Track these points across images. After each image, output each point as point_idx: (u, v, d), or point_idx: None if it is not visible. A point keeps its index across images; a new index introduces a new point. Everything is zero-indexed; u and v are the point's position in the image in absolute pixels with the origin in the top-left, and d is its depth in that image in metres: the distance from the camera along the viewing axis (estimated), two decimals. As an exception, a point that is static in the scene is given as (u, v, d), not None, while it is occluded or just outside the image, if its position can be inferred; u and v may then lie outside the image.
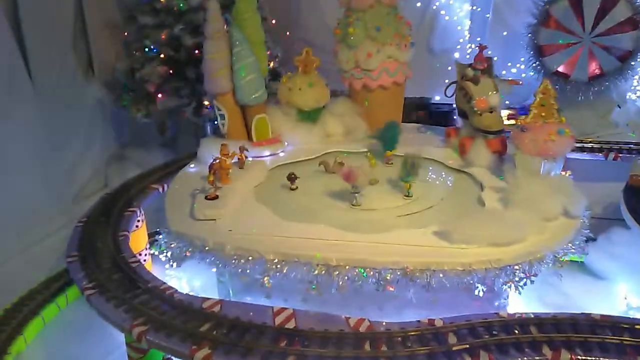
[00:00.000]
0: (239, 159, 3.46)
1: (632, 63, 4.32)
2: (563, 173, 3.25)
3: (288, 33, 5.22)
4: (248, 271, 2.74)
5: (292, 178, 3.37)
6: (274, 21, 4.77)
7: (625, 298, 3.18)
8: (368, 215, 3.06)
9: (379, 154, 3.64)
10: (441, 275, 2.59)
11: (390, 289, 2.62)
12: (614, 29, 4.30)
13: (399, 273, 2.60)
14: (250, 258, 2.74)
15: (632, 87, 4.81)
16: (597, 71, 4.33)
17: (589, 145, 4.17)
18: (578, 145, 4.11)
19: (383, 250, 2.68)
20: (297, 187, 3.37)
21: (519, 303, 3.05)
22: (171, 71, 4.47)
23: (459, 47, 5.12)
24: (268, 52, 4.33)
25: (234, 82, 3.72)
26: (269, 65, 4.23)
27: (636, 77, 4.70)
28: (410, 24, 4.07)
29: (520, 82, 3.77)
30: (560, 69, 4.42)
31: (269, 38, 4.36)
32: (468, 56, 5.02)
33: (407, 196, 3.17)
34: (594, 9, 4.31)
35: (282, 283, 2.78)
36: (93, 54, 4.82)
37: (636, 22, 4.25)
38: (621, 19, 4.29)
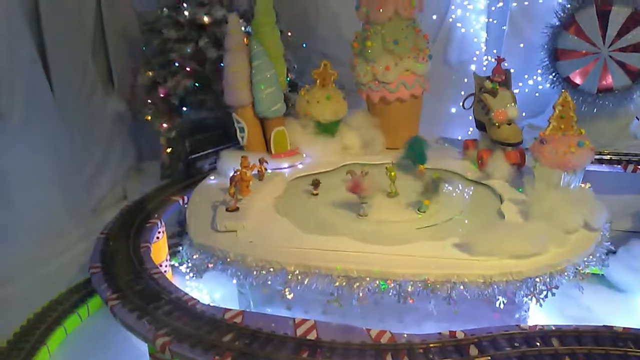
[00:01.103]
0: (258, 171, 3.50)
1: (636, 89, 4.32)
2: (583, 185, 3.25)
3: (305, 45, 5.27)
4: (269, 282, 2.77)
5: (316, 183, 3.45)
6: (289, 33, 4.82)
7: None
8: (388, 227, 3.08)
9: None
10: (462, 287, 2.60)
11: (411, 301, 2.64)
12: (633, 47, 4.30)
13: (419, 285, 2.61)
14: (271, 269, 2.77)
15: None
16: (608, 85, 4.33)
17: (608, 157, 4.13)
18: (597, 157, 4.07)
19: (403, 262, 2.69)
20: (318, 193, 3.44)
21: (540, 315, 3.04)
22: (196, 84, 4.54)
23: (475, 59, 5.13)
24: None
25: (254, 94, 3.77)
26: (287, 77, 4.28)
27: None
28: (428, 37, 4.10)
29: None
30: (572, 76, 4.42)
31: (287, 50, 4.41)
32: (485, 68, 5.02)
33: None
34: (619, 24, 4.30)
35: (302, 294, 2.80)
36: (113, 67, 4.91)
37: None
38: (641, 40, 4.30)
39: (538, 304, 2.66)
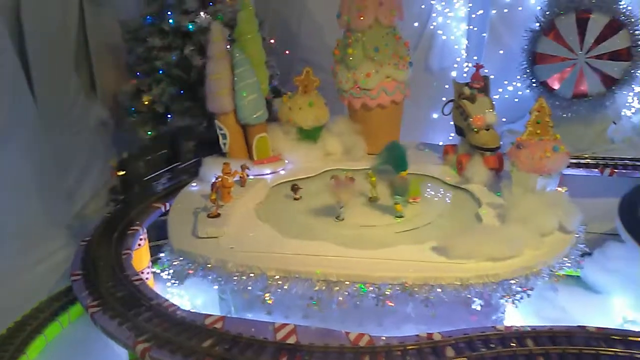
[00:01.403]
0: (240, 177, 3.52)
1: (616, 91, 4.42)
2: (559, 189, 3.31)
3: (288, 52, 5.31)
4: (249, 288, 2.79)
5: (295, 188, 3.48)
6: (272, 40, 4.86)
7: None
8: (368, 231, 3.12)
9: (388, 174, 3.64)
10: (439, 290, 2.64)
11: (390, 304, 2.67)
12: (609, 55, 4.40)
13: (397, 288, 2.64)
14: (251, 275, 2.79)
15: (627, 104, 4.89)
16: (583, 91, 4.42)
17: (585, 161, 4.21)
18: (574, 161, 4.16)
19: (382, 265, 2.73)
20: (300, 197, 3.47)
21: (516, 317, 3.08)
22: (181, 92, 4.55)
23: (456, 66, 5.21)
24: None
25: (236, 101, 3.80)
26: (270, 84, 4.32)
27: (631, 94, 4.78)
28: (408, 44, 4.16)
29: None
30: (549, 80, 4.51)
31: (270, 57, 4.44)
32: (465, 75, 5.10)
33: (396, 217, 3.22)
34: (597, 31, 4.41)
35: (283, 299, 2.82)
36: (96, 75, 4.91)
37: (630, 54, 4.36)
38: (618, 47, 4.39)
39: (514, 305, 2.70)
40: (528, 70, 4.59)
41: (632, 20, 4.36)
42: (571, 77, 4.43)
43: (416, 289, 2.64)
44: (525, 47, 4.63)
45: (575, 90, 4.44)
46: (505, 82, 5.03)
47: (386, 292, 2.65)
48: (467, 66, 5.18)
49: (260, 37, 4.05)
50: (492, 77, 4.97)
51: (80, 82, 4.77)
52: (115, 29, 4.95)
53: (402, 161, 3.61)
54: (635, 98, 4.74)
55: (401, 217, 3.22)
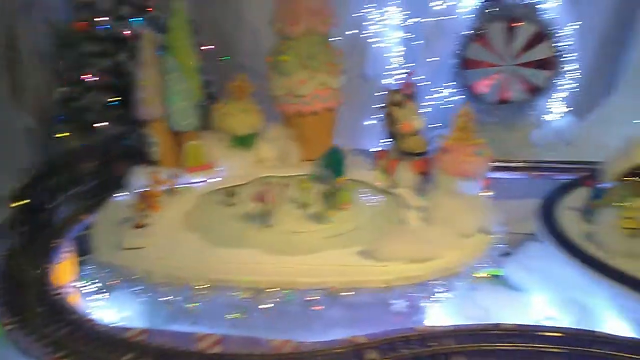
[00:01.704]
0: (169, 186, 3.48)
1: (538, 98, 4.62)
2: (482, 192, 3.44)
3: (225, 58, 5.28)
4: (175, 298, 2.76)
5: (230, 193, 3.48)
6: (209, 47, 4.83)
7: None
8: (296, 237, 3.13)
9: (326, 180, 3.66)
10: (364, 293, 2.69)
11: (316, 308, 2.70)
12: (534, 64, 4.61)
13: (324, 293, 2.67)
14: (177, 285, 2.76)
15: (549, 110, 5.12)
16: (507, 97, 4.61)
17: (511, 164, 4.38)
18: (500, 165, 4.32)
19: (309, 271, 2.76)
20: (235, 203, 3.46)
21: (440, 317, 3.15)
22: (114, 99, 4.45)
23: (390, 73, 5.31)
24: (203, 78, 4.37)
25: (166, 108, 3.76)
26: (204, 90, 4.28)
27: (553, 100, 5.01)
28: (342, 51, 4.22)
29: None
30: (477, 85, 4.68)
31: (207, 63, 4.41)
32: (398, 82, 5.19)
33: (325, 223, 3.24)
34: (524, 40, 4.61)
35: (209, 309, 2.81)
36: (23, 82, 4.74)
37: (552, 64, 4.57)
38: (542, 56, 4.61)
39: (436, 305, 2.78)
40: (458, 75, 4.75)
41: (556, 32, 4.58)
42: (498, 83, 4.61)
43: (341, 293, 2.68)
44: (456, 52, 4.78)
45: (501, 96, 4.62)
46: (438, 89, 5.16)
47: (313, 298, 2.68)
48: (400, 73, 5.28)
49: (192, 44, 4.02)
50: (427, 83, 5.19)
51: (7, 89, 4.60)
52: (47, 35, 4.81)
53: (340, 167, 3.67)
54: (556, 104, 4.97)
55: (331, 222, 3.25)
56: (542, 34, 4.58)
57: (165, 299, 2.78)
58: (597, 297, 3.07)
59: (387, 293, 2.70)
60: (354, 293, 2.69)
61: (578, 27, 4.91)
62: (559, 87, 4.77)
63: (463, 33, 4.76)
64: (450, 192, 3.17)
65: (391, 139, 3.85)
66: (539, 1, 4.67)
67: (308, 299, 2.68)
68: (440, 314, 3.06)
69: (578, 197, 3.60)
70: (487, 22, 4.65)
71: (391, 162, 3.74)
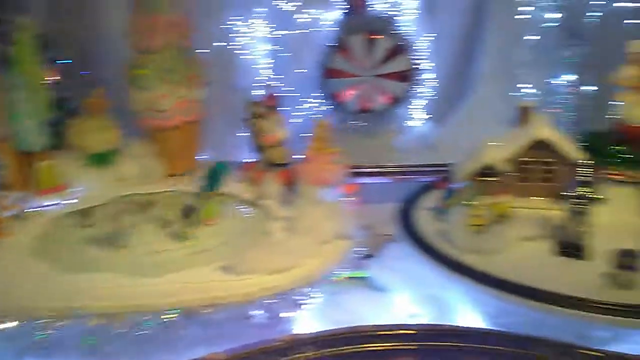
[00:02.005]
0: (17, 211, 3.24)
1: (398, 107, 4.89)
2: (345, 198, 3.55)
3: (84, 73, 5.03)
4: (21, 333, 2.56)
5: (86, 214, 3.29)
6: (64, 60, 4.56)
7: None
8: (156, 257, 3.01)
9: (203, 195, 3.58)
10: (224, 308, 2.66)
11: (176, 329, 2.62)
12: (392, 76, 4.86)
13: (181, 312, 2.61)
14: (22, 319, 2.56)
15: (411, 116, 5.41)
16: (369, 106, 4.84)
17: (377, 170, 4.58)
18: (367, 170, 4.51)
19: (167, 291, 2.68)
20: (91, 225, 3.25)
21: (307, 324, 3.19)
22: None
23: (258, 84, 5.35)
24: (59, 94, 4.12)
25: (12, 128, 3.50)
26: (62, 107, 4.04)
27: (415, 105, 5.30)
28: (206, 63, 4.17)
29: None
30: (340, 95, 4.86)
31: (65, 79, 4.16)
32: (261, 94, 5.23)
33: (183, 240, 3.14)
34: (383, 53, 4.84)
35: (62, 339, 2.63)
36: None
37: (410, 76, 4.85)
38: (400, 69, 4.85)
39: (303, 313, 2.82)
40: (323, 85, 4.89)
41: (413, 47, 4.87)
42: (360, 93, 4.81)
43: (201, 311, 2.62)
44: (321, 63, 4.92)
45: (363, 105, 4.83)
46: (306, 99, 5.27)
47: (170, 318, 2.60)
48: (268, 85, 5.34)
49: (40, 59, 3.78)
50: (295, 94, 5.28)
51: None
52: None
53: (217, 182, 3.60)
54: (416, 111, 5.27)
55: (194, 239, 3.18)
56: (400, 47, 4.84)
57: (10, 333, 2.55)
58: (452, 292, 3.26)
59: (248, 307, 2.68)
60: (213, 310, 2.64)
61: (434, 38, 5.26)
62: (418, 96, 5.06)
63: (327, 45, 4.90)
64: (312, 201, 3.24)
65: (257, 151, 3.88)
66: (396, 15, 4.93)
67: (166, 319, 2.59)
68: (306, 321, 3.10)
69: (434, 198, 3.80)
70: (349, 34, 4.84)
71: (258, 174, 3.76)
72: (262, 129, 3.73)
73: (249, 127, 3.89)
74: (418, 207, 3.80)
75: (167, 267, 2.86)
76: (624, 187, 3.57)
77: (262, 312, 2.71)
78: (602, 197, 3.05)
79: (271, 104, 3.83)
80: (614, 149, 3.57)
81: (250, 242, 3.15)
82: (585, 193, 3.01)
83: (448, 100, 5.58)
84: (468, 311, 3.20)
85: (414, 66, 4.88)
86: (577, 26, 4.79)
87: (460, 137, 5.06)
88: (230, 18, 5.25)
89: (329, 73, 4.86)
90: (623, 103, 3.57)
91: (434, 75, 5.29)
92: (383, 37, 4.82)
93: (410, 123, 5.20)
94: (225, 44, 5.28)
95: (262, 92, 3.97)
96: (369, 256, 3.32)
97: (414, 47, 4.88)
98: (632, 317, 2.63)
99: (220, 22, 5.24)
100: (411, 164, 4.65)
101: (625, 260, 2.75)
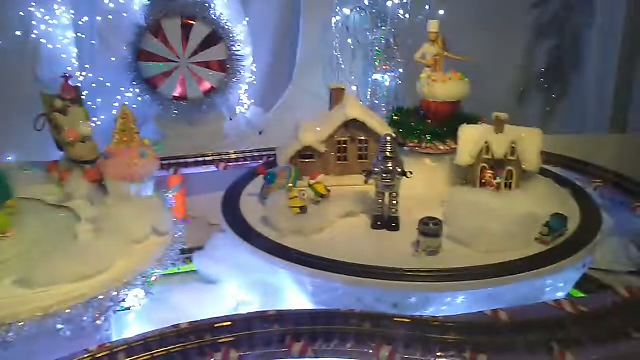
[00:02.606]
0: None
1: (221, 95, 4.79)
2: (168, 191, 3.39)
3: None
4: None
5: None
6: None
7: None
8: None
9: None
10: (20, 326, 2.37)
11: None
12: (208, 64, 4.71)
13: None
14: None
15: (241, 101, 5.35)
16: (183, 94, 4.68)
17: (204, 159, 4.44)
18: (192, 160, 4.37)
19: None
20: None
21: (132, 328, 3.01)
22: None
23: (68, 75, 4.90)
24: None
25: None
26: None
27: (240, 92, 5.25)
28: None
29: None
30: (152, 79, 4.64)
31: None
32: (80, 84, 4.82)
33: None
34: (199, 39, 4.66)
35: None
36: None
37: (228, 64, 4.73)
38: (217, 58, 4.72)
39: (127, 317, 2.63)
40: (133, 67, 4.61)
41: (230, 35, 4.74)
42: (173, 79, 4.63)
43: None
44: (131, 42, 4.62)
45: (176, 92, 4.66)
46: (122, 89, 4.95)
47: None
48: (80, 75, 4.93)
49: None
50: (107, 84, 4.93)
51: None
52: None
53: (5, 190, 3.19)
54: (242, 97, 5.23)
55: None
56: (217, 36, 4.71)
57: None
58: (278, 276, 3.26)
59: (48, 321, 2.42)
60: (7, 328, 2.35)
61: (251, 24, 5.23)
62: (240, 83, 4.99)
63: (139, 30, 4.62)
64: (120, 198, 3.03)
65: (60, 148, 3.54)
66: (211, 1, 4.78)
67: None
68: (131, 325, 2.91)
69: (259, 183, 3.78)
70: (162, 17, 4.60)
71: (62, 173, 3.43)
72: (62, 124, 3.40)
73: (48, 122, 3.53)
74: (243, 194, 3.76)
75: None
76: (431, 159, 3.84)
77: (68, 324, 2.47)
78: (408, 170, 3.21)
79: (72, 97, 3.50)
80: (415, 123, 3.81)
81: (50, 249, 2.86)
82: (390, 167, 3.16)
83: (274, 85, 5.62)
84: (293, 293, 3.23)
85: (232, 53, 4.78)
86: (384, 11, 5.06)
87: (287, 120, 5.12)
88: (32, 4, 4.75)
89: (142, 56, 4.59)
90: (422, 80, 3.82)
91: (253, 61, 5.27)
92: (198, 23, 4.65)
93: (237, 109, 5.14)
94: (27, 32, 4.78)
95: (62, 83, 3.61)
96: (196, 249, 3.20)
97: (231, 34, 4.77)
98: (439, 282, 2.83)
99: (20, 9, 4.71)
100: (237, 151, 4.58)
101: (426, 228, 2.94)
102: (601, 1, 5.25)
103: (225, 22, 4.75)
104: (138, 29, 4.63)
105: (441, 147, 3.77)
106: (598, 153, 4.52)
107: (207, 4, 4.73)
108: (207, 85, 4.71)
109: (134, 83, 4.64)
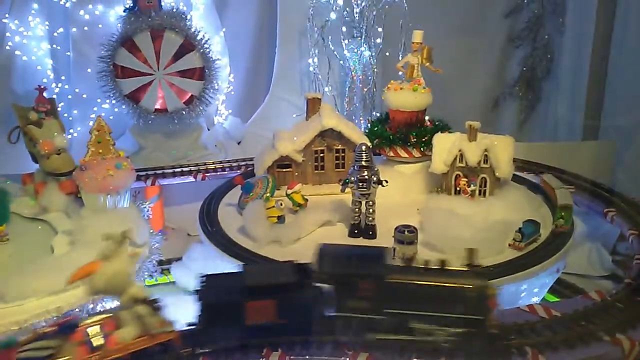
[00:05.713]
0: None
1: (198, 105, 4.78)
2: (145, 203, 3.37)
3: None
4: None
5: None
6: None
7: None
8: None
9: None
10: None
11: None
12: (185, 73, 4.71)
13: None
14: None
15: (219, 112, 5.36)
16: (163, 105, 4.67)
17: (179, 169, 4.43)
18: (169, 171, 4.35)
19: None
20: None
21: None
22: None
23: (43, 87, 4.85)
24: None
25: None
26: None
27: (218, 102, 5.26)
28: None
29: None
30: (132, 94, 4.62)
31: None
32: (55, 96, 4.78)
33: None
34: (172, 50, 4.64)
35: None
36: None
37: (203, 73, 4.73)
38: (192, 66, 4.72)
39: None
40: (111, 83, 4.60)
41: (203, 43, 4.73)
42: (152, 92, 4.61)
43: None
44: (107, 60, 4.60)
45: (157, 105, 4.64)
46: (99, 100, 4.93)
47: None
48: (56, 87, 4.89)
49: None
50: (84, 96, 4.90)
51: None
52: None
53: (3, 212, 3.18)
54: (220, 108, 5.23)
55: None
56: (190, 45, 4.69)
57: None
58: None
59: (23, 334, 2.39)
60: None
61: (228, 35, 5.24)
62: (217, 92, 4.98)
63: (114, 42, 4.60)
64: (96, 211, 3.02)
65: (35, 161, 3.52)
66: (184, 12, 4.78)
67: None
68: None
69: (237, 193, 3.78)
70: (135, 31, 4.58)
71: (37, 186, 3.42)
72: (37, 137, 3.38)
73: (23, 135, 3.51)
74: (221, 204, 3.75)
75: None
76: (405, 166, 3.89)
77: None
78: (384, 179, 3.22)
79: (46, 109, 3.49)
80: (380, 130, 3.87)
81: (26, 263, 2.85)
82: (366, 176, 3.18)
83: (251, 95, 5.63)
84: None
85: (207, 62, 4.77)
86: (360, 22, 5.10)
87: (265, 130, 5.13)
88: (6, 15, 4.71)
89: (118, 71, 4.57)
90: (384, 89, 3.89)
91: (229, 71, 5.28)
92: (172, 34, 4.64)
93: (215, 120, 5.14)
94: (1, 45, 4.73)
95: (36, 96, 3.59)
96: (174, 260, 3.18)
97: (205, 42, 4.76)
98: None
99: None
100: (215, 161, 4.57)
101: (402, 236, 2.96)
102: (572, 10, 5.35)
103: (198, 31, 4.73)
104: (113, 47, 4.60)
105: (402, 154, 3.86)
106: (571, 160, 4.60)
107: (181, 15, 4.72)
108: (186, 95, 4.70)
109: (117, 100, 4.62)
